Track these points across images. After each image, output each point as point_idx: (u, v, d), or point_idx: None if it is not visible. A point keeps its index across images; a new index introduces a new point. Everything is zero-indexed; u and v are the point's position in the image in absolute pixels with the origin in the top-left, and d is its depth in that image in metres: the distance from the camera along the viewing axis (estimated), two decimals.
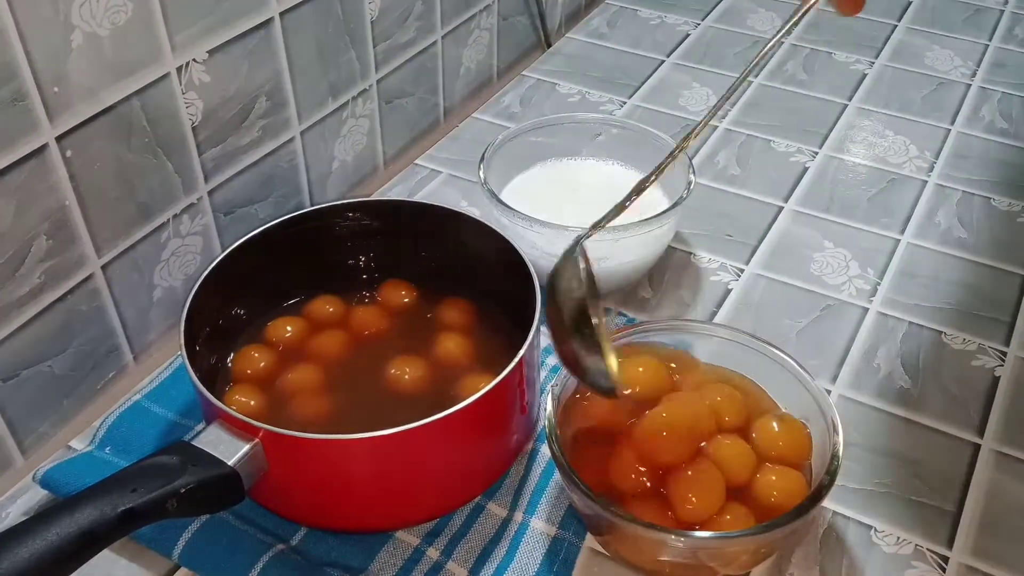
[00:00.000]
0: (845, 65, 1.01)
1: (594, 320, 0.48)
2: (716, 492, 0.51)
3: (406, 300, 0.65)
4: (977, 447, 0.62)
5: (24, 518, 0.53)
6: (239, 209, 0.70)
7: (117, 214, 0.60)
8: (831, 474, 0.50)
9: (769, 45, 0.52)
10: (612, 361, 0.48)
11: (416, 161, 0.87)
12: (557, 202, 0.73)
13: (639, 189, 0.52)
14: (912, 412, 0.64)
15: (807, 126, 0.92)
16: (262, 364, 0.60)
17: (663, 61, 1.01)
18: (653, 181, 0.53)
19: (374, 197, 0.82)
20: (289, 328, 0.63)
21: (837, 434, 0.52)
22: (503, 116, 0.93)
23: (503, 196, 0.71)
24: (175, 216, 0.64)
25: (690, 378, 0.58)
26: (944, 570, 0.55)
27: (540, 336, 0.57)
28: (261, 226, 0.62)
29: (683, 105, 0.94)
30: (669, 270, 0.75)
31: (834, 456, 0.51)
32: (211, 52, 0.62)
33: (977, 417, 0.64)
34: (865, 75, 1.00)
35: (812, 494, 0.50)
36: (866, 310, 0.72)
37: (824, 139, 0.90)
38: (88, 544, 0.44)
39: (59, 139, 0.54)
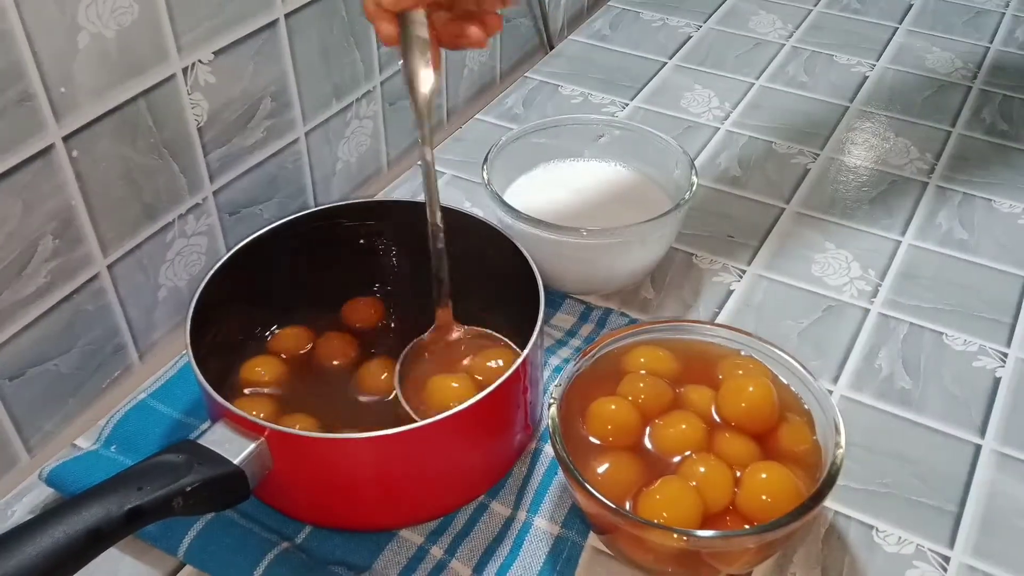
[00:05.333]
0: (846, 67, 1.02)
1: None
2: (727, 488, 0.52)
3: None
4: (978, 448, 0.62)
5: (30, 516, 0.53)
6: (244, 209, 0.70)
7: (123, 214, 0.60)
8: (833, 474, 0.51)
9: None
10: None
11: (419, 162, 0.87)
12: (560, 203, 0.73)
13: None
14: (913, 413, 0.64)
15: (808, 128, 0.92)
16: (268, 376, 0.61)
17: (665, 63, 1.02)
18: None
19: (378, 198, 0.83)
20: (296, 337, 0.64)
21: (839, 434, 0.53)
22: (506, 118, 0.93)
23: (506, 197, 0.71)
24: (180, 216, 0.65)
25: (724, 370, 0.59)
26: (945, 570, 0.55)
27: (543, 336, 0.57)
28: (266, 226, 0.62)
29: (685, 107, 0.95)
30: (671, 271, 0.75)
31: (836, 456, 0.51)
32: (217, 53, 0.62)
33: (978, 418, 0.64)
34: (866, 77, 1.00)
35: (814, 494, 0.50)
36: (867, 311, 0.72)
37: (825, 141, 0.90)
38: (94, 542, 0.44)
39: (65, 139, 0.55)
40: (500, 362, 0.58)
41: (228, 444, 0.50)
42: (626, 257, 0.69)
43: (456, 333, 0.60)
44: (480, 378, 0.58)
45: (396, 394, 0.57)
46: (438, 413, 0.51)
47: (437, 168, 0.86)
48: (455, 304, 0.64)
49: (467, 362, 0.60)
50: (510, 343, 0.60)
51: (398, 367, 0.59)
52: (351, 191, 0.82)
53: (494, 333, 0.61)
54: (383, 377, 0.61)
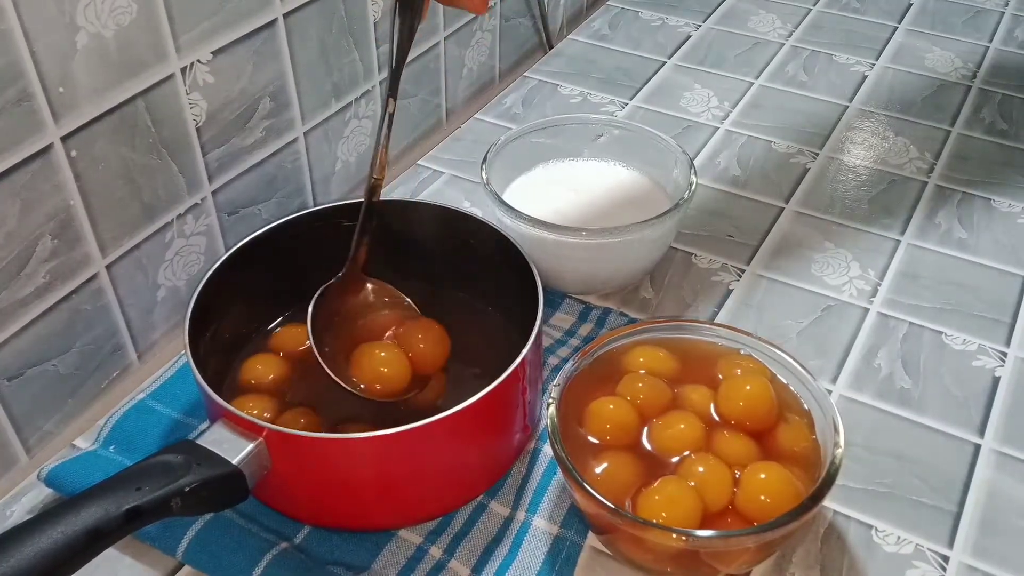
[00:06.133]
0: (846, 67, 1.02)
1: None
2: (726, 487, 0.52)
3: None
4: (978, 447, 0.62)
5: (29, 516, 0.53)
6: (243, 209, 0.70)
7: (121, 214, 0.60)
8: (832, 474, 0.51)
9: None
10: None
11: (419, 162, 0.88)
12: (559, 202, 0.73)
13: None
14: (913, 412, 0.64)
15: (808, 127, 0.92)
16: (268, 374, 0.61)
17: (664, 63, 1.02)
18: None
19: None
20: (296, 335, 0.64)
21: (838, 434, 0.53)
22: (505, 117, 0.93)
23: (505, 197, 0.71)
24: (179, 216, 0.65)
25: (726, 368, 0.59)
26: (945, 570, 0.55)
27: (542, 336, 0.57)
28: (265, 226, 0.62)
29: (684, 107, 0.95)
30: (671, 271, 0.75)
31: (835, 456, 0.51)
32: (215, 53, 0.62)
33: (978, 417, 0.64)
34: (866, 76, 1.00)
35: (813, 494, 0.50)
36: (867, 311, 0.72)
37: (825, 140, 0.90)
38: (93, 542, 0.44)
39: (64, 139, 0.55)
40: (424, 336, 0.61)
41: (227, 444, 0.50)
42: (625, 257, 0.69)
43: (367, 285, 0.62)
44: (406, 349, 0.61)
45: (310, 345, 0.58)
46: (366, 378, 0.56)
47: (436, 168, 0.86)
48: (454, 304, 0.64)
49: (389, 331, 0.62)
50: (410, 302, 0.63)
51: (310, 312, 0.59)
52: (350, 191, 0.82)
53: (394, 288, 0.63)
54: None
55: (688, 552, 0.50)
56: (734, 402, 0.56)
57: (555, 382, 0.56)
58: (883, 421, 0.64)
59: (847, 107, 0.95)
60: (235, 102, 0.66)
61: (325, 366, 0.57)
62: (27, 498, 0.58)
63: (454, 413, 0.51)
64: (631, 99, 0.96)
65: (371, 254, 0.61)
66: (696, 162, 0.86)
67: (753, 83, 0.99)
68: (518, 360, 0.53)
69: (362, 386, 0.58)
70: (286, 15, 0.67)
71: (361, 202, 0.65)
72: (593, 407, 0.56)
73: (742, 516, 0.51)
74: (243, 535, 0.54)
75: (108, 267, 0.61)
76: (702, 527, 0.50)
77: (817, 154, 0.89)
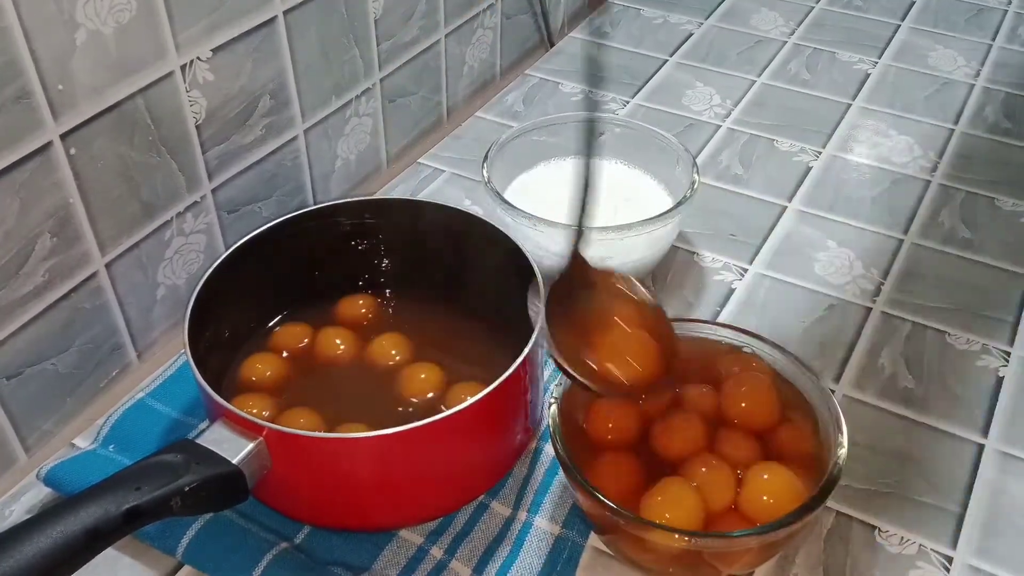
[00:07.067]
0: (848, 65, 1.01)
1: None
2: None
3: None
4: (981, 447, 0.62)
5: (28, 516, 0.53)
6: (242, 207, 0.70)
7: (121, 212, 0.60)
8: (835, 474, 0.50)
9: None
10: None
11: (419, 160, 0.87)
12: (560, 201, 0.72)
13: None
14: (916, 412, 0.64)
15: (810, 126, 0.92)
16: (268, 373, 0.61)
17: (666, 60, 1.01)
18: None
19: (377, 196, 0.82)
20: (295, 334, 0.63)
21: (841, 434, 0.52)
22: (506, 115, 0.93)
23: (506, 195, 0.71)
24: (179, 214, 0.65)
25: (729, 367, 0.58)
26: (948, 570, 0.55)
27: (543, 335, 0.57)
28: (264, 224, 0.62)
29: (686, 104, 0.94)
30: (673, 269, 0.75)
31: (838, 456, 0.51)
32: (215, 50, 0.62)
33: (981, 417, 0.64)
34: (868, 75, 1.00)
35: (816, 494, 0.50)
36: (870, 310, 0.72)
37: (828, 139, 0.90)
38: (92, 542, 0.44)
39: (63, 137, 0.54)
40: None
41: (226, 444, 0.49)
42: (627, 256, 0.69)
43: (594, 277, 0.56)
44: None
45: (551, 354, 0.53)
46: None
47: (436, 166, 0.86)
48: (455, 302, 0.64)
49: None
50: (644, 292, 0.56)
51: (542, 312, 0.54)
52: (350, 189, 0.82)
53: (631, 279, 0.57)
54: (393, 353, 0.62)
55: (690, 553, 0.50)
56: (737, 402, 0.56)
57: (556, 381, 0.55)
58: (886, 421, 0.63)
59: (850, 105, 0.95)
60: (235, 100, 0.66)
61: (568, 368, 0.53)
62: (26, 498, 0.58)
63: (454, 413, 0.51)
64: (633, 97, 0.95)
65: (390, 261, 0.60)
66: (698, 160, 0.85)
67: (755, 81, 0.98)
68: (519, 359, 0.53)
69: (613, 371, 0.53)
70: (286, 12, 0.67)
71: (361, 200, 0.66)
72: (595, 407, 0.55)
73: (745, 517, 0.51)
74: (243, 535, 0.54)
75: (107, 265, 0.60)
76: (705, 527, 0.50)
77: (820, 152, 0.88)
